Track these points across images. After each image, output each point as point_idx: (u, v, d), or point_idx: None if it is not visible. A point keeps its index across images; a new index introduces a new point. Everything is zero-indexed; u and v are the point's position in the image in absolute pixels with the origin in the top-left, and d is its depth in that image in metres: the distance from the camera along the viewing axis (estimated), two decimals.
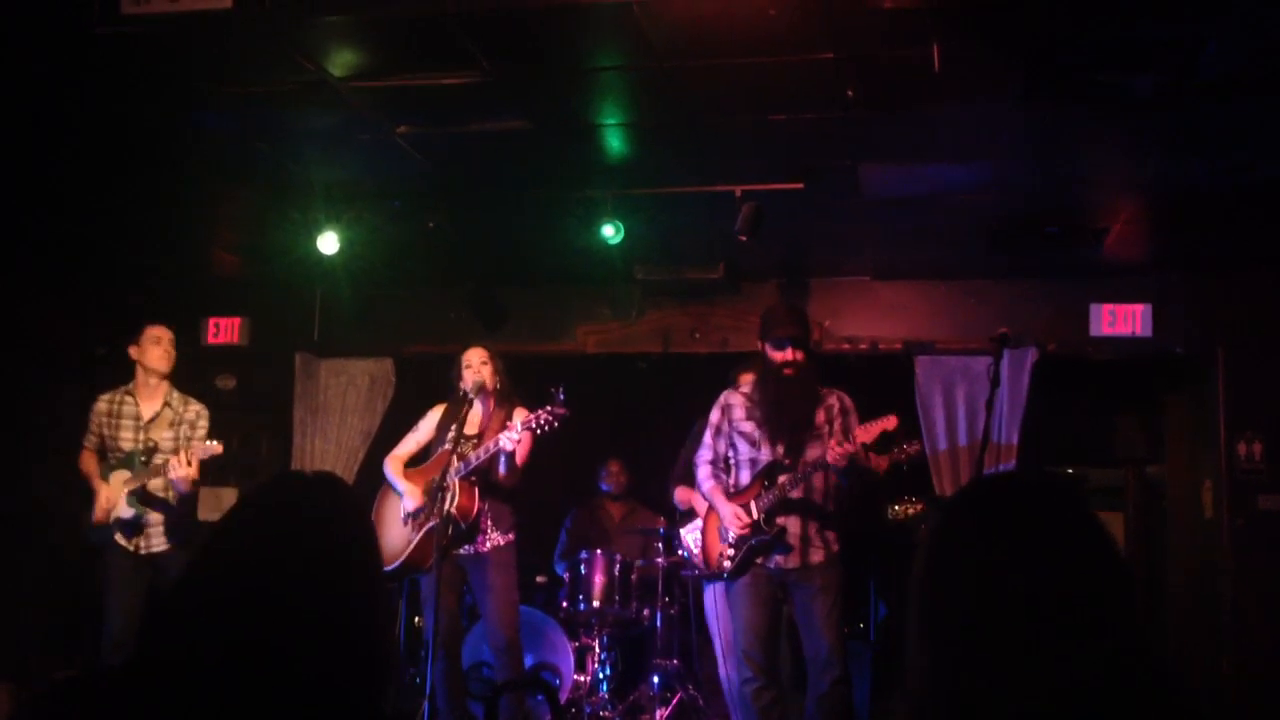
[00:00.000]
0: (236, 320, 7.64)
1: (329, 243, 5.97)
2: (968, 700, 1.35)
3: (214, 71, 4.42)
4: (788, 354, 4.79)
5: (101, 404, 5.49)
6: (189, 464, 5.16)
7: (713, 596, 5.75)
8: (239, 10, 3.87)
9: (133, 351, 5.50)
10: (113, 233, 6.46)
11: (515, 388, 5.40)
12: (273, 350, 7.56)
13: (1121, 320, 6.61)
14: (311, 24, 3.99)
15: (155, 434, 5.45)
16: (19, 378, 6.52)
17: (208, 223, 6.50)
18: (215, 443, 5.31)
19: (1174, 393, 7.41)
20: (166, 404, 5.52)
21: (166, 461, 5.22)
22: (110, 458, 5.43)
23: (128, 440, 5.43)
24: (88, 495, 5.43)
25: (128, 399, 5.49)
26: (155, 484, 5.34)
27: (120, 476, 5.36)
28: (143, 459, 5.36)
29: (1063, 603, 1.36)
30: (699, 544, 5.41)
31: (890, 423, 4.73)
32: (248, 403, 7.49)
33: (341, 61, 4.30)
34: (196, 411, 5.58)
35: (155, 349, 5.48)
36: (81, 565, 6.04)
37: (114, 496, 5.32)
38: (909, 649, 1.46)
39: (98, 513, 5.32)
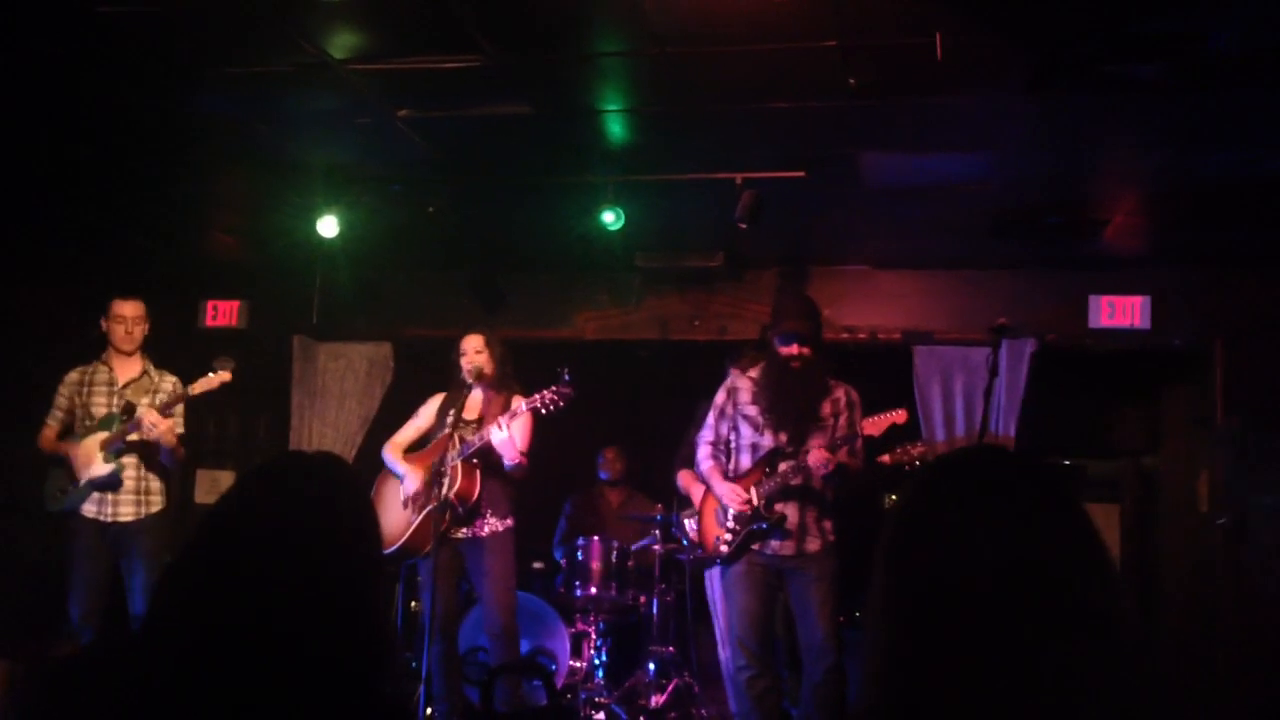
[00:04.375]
0: (235, 303, 7.63)
1: (328, 226, 5.95)
2: (927, 679, 1.28)
3: (214, 53, 4.40)
4: (794, 349, 4.79)
5: (73, 375, 5.44)
6: (162, 418, 5.16)
7: (712, 580, 5.78)
8: None
9: (103, 324, 5.46)
10: (111, 214, 6.44)
11: (515, 373, 5.40)
12: (271, 333, 7.56)
13: (1120, 312, 6.61)
14: (312, 5, 3.97)
15: (132, 398, 5.39)
16: (15, 359, 6.51)
17: (206, 205, 6.50)
18: (222, 372, 5.30)
19: (1172, 385, 7.43)
20: (145, 372, 5.49)
21: (141, 418, 5.18)
22: (81, 427, 5.35)
23: (101, 405, 5.38)
24: (51, 469, 5.35)
25: (101, 368, 5.45)
26: (132, 439, 5.27)
27: (96, 438, 5.30)
28: (122, 418, 5.30)
29: (1031, 583, 1.28)
30: (695, 528, 5.42)
31: (900, 416, 4.74)
32: (246, 386, 7.44)
33: (342, 43, 4.29)
34: (173, 383, 5.51)
35: (117, 328, 5.42)
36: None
37: (90, 455, 5.25)
38: (869, 623, 1.38)
39: (78, 471, 5.23)
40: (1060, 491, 1.38)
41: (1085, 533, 1.35)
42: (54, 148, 5.44)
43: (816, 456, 4.57)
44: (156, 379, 5.51)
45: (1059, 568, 1.30)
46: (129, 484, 5.31)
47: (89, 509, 5.25)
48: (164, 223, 6.64)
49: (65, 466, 5.32)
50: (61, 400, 5.42)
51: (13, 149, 5.41)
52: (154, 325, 5.55)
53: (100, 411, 5.37)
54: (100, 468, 5.25)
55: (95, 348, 5.54)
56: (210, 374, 5.30)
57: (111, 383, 5.42)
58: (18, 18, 4.14)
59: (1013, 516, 1.33)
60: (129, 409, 5.32)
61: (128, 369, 5.47)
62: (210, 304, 7.65)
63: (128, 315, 5.44)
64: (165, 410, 5.26)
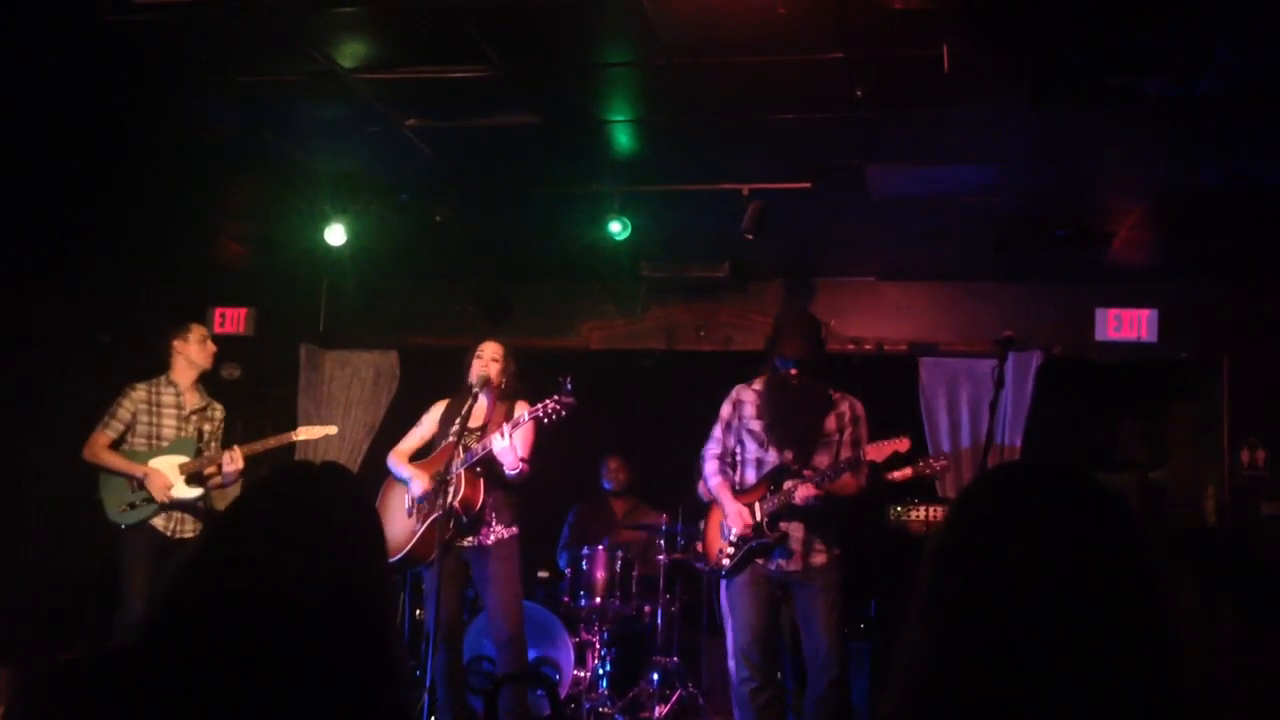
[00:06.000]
0: (242, 311, 7.65)
1: (336, 234, 5.98)
2: (963, 685, 1.27)
3: (223, 61, 4.42)
4: (792, 373, 4.80)
5: (140, 392, 5.57)
6: (241, 459, 5.48)
7: (724, 590, 5.77)
8: (248, 0, 3.88)
9: (178, 344, 5.63)
10: (119, 221, 6.47)
11: (521, 386, 5.40)
12: (278, 341, 7.57)
13: (1127, 325, 6.61)
14: (321, 15, 3.99)
15: (200, 425, 5.65)
16: (23, 365, 6.53)
17: (214, 213, 6.52)
18: (329, 426, 6.04)
19: (1178, 398, 7.40)
20: (207, 401, 5.73)
21: (223, 452, 5.49)
22: (142, 445, 5.51)
23: (170, 428, 5.56)
24: (107, 480, 5.45)
25: (169, 389, 5.62)
26: (210, 470, 5.54)
27: (174, 460, 5.48)
28: (199, 444, 5.56)
29: (1072, 597, 1.28)
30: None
31: (902, 445, 4.74)
32: (253, 393, 7.50)
33: (350, 53, 4.31)
34: (222, 410, 5.81)
35: (204, 348, 5.68)
36: (79, 550, 6.08)
37: (167, 477, 5.43)
38: (907, 630, 1.36)
39: (158, 493, 5.39)
40: (1110, 510, 1.37)
41: (1134, 552, 1.34)
42: (61, 155, 5.46)
43: (803, 492, 4.61)
44: (212, 409, 5.76)
45: (1104, 588, 1.29)
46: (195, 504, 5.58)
47: (158, 522, 5.45)
48: (172, 230, 6.67)
49: (125, 479, 5.43)
50: (124, 413, 5.53)
51: (21, 157, 5.43)
52: (162, 332, 5.67)
53: (170, 434, 5.56)
54: (186, 491, 5.48)
55: (110, 354, 5.69)
56: (316, 424, 5.99)
57: (179, 406, 5.61)
58: (26, 26, 4.16)
59: (1062, 533, 1.32)
60: (200, 436, 5.61)
61: (193, 394, 5.67)
62: (218, 311, 7.67)
63: (208, 336, 5.74)
64: (260, 451, 5.57)
